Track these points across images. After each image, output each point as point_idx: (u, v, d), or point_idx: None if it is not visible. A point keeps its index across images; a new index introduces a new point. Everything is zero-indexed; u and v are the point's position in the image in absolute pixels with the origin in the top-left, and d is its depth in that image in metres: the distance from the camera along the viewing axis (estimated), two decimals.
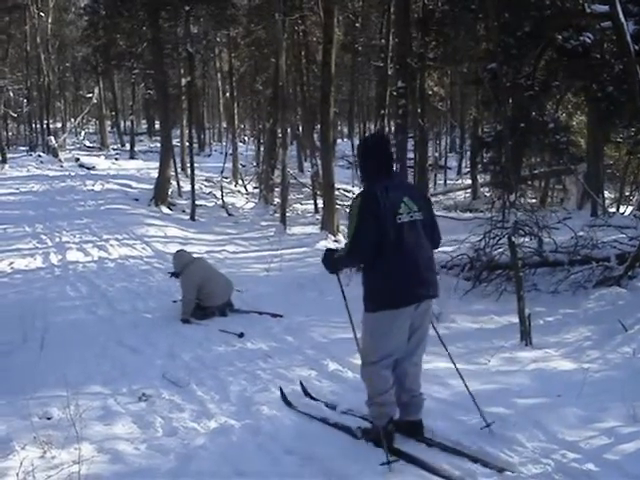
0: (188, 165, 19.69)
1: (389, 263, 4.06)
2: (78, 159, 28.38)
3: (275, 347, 6.73)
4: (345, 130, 43.31)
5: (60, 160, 28.25)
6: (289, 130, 24.61)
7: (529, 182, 17.26)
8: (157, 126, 34.23)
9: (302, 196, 22.56)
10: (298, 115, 27.57)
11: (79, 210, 17.71)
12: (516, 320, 6.53)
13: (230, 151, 25.03)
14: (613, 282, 7.60)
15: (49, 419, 5.01)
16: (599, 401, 4.71)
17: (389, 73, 18.54)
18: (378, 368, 4.18)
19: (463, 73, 23.02)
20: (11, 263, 11.63)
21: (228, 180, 24.11)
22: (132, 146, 32.61)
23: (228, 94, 28.48)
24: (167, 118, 19.50)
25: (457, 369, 4.66)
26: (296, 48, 23.04)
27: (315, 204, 19.41)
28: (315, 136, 19.25)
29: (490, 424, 4.32)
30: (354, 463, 4.10)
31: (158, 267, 11.29)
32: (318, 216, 17.39)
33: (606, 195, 15.94)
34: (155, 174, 19.84)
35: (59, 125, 38.75)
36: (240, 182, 24.76)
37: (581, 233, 8.49)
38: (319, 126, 17.42)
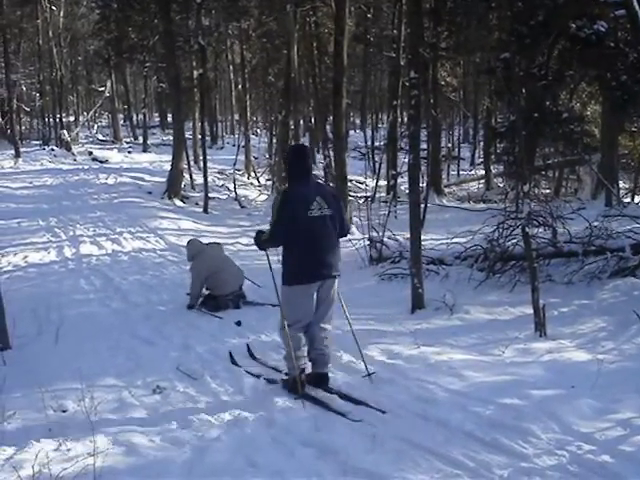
0: (201, 158, 19.69)
1: (300, 247, 5.02)
2: (91, 152, 28.48)
3: None
4: (357, 121, 43.28)
5: (73, 154, 28.37)
6: (301, 122, 24.62)
7: (543, 172, 17.19)
8: (170, 119, 34.24)
9: None
10: (310, 107, 27.58)
11: (92, 203, 17.79)
12: (530, 311, 6.52)
13: (242, 143, 24.94)
14: (628, 272, 7.57)
15: (64, 412, 5.04)
16: (614, 392, 4.69)
17: (401, 64, 18.43)
18: (292, 330, 5.17)
19: (476, 63, 22.90)
20: (25, 257, 11.69)
21: (241, 172, 24.06)
22: (145, 139, 32.73)
23: (240, 86, 28.45)
24: (179, 111, 19.48)
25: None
26: (308, 39, 23.02)
27: None
28: (327, 128, 19.17)
29: (371, 374, 5.28)
30: (369, 454, 4.11)
31: (171, 260, 11.33)
32: None
33: (620, 185, 15.83)
34: (168, 167, 19.85)
35: (72, 119, 38.83)
36: (253, 174, 24.71)
37: (595, 223, 8.42)
38: (331, 117, 17.37)
